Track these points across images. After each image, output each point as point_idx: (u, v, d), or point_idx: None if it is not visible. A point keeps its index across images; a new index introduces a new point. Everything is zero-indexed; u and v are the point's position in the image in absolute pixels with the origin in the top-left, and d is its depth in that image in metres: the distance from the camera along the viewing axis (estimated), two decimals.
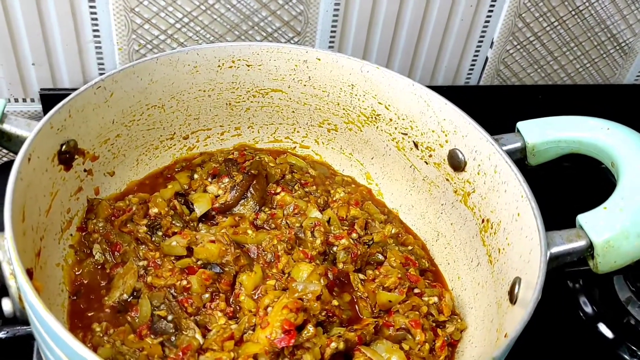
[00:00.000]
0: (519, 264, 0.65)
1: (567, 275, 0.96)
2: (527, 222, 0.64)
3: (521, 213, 0.66)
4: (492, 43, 1.06)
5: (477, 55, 1.07)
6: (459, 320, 0.73)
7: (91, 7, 0.87)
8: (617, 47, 1.12)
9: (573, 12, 1.05)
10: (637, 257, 0.61)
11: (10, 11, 0.85)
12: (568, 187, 0.89)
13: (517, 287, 0.63)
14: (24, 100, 0.94)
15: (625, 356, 0.88)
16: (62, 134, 0.66)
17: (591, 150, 0.69)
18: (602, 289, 0.94)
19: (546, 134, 0.71)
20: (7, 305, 0.51)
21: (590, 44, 1.10)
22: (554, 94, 1.15)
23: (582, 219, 0.62)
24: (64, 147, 0.67)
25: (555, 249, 0.61)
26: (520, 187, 0.67)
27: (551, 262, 0.61)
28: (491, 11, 1.01)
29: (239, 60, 0.81)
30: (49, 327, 0.46)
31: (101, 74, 0.92)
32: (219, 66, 0.80)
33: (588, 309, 0.92)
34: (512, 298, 0.63)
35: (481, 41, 1.05)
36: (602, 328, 0.90)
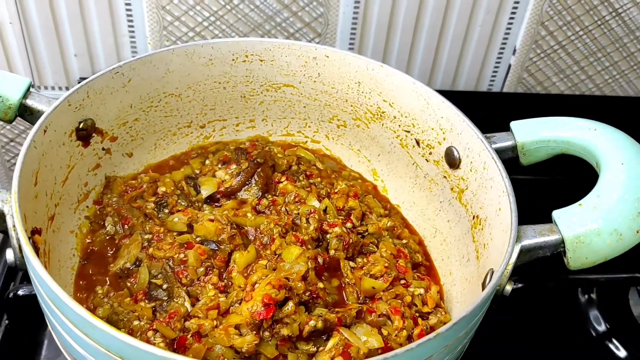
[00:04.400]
0: (496, 257, 0.66)
1: (580, 285, 0.95)
2: (505, 216, 0.66)
3: (502, 208, 0.68)
4: (515, 50, 1.07)
5: (499, 62, 1.08)
6: (443, 313, 0.75)
7: (127, 4, 0.95)
8: None
9: (599, 22, 1.05)
10: (610, 255, 0.61)
11: (55, 7, 0.94)
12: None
13: (488, 277, 0.64)
14: (67, 88, 1.03)
15: None
16: (79, 112, 0.73)
17: (578, 150, 0.69)
18: (615, 303, 0.93)
19: (536, 133, 0.72)
20: (10, 255, 0.58)
21: (619, 55, 1.09)
22: (582, 104, 1.14)
23: (557, 214, 0.63)
24: (81, 124, 0.74)
25: (526, 242, 0.62)
26: (503, 182, 0.68)
27: (523, 255, 0.62)
28: (512, 19, 1.03)
29: (252, 55, 0.86)
30: (35, 272, 0.53)
31: None
32: (233, 60, 0.86)
33: (599, 325, 0.91)
34: (483, 289, 0.65)
35: (503, 48, 1.06)
36: (614, 346, 0.89)
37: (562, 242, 0.62)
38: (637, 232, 0.60)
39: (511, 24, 1.03)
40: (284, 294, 0.68)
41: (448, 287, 0.79)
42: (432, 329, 0.73)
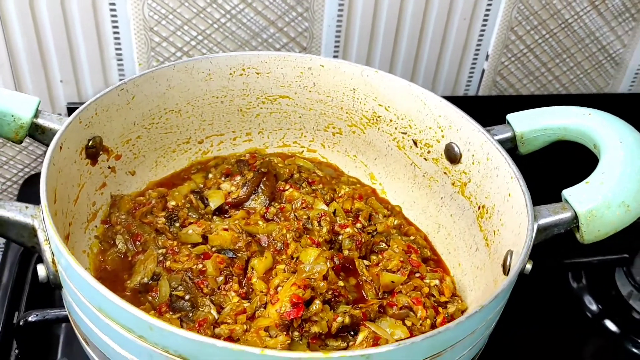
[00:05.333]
0: (511, 239, 0.70)
1: (569, 269, 1.00)
2: (517, 199, 0.69)
3: (512, 193, 0.71)
4: (488, 56, 1.12)
5: (474, 67, 1.14)
6: (460, 302, 0.77)
7: (114, 27, 0.95)
8: (609, 58, 1.18)
9: (563, 25, 1.12)
10: (619, 226, 0.65)
11: (41, 32, 0.93)
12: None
13: (509, 258, 0.67)
14: None
15: (633, 349, 0.90)
16: (89, 129, 0.73)
17: (575, 135, 0.74)
18: (604, 285, 0.98)
19: (534, 123, 0.77)
20: (42, 271, 0.57)
21: (582, 55, 1.17)
22: (551, 103, 1.20)
23: (567, 192, 0.67)
24: (90, 142, 0.74)
25: (542, 221, 0.66)
26: (510, 169, 0.72)
27: (540, 234, 0.66)
28: (484, 25, 1.09)
29: (249, 68, 0.88)
30: (79, 277, 0.52)
31: None
32: (230, 74, 0.87)
33: (593, 307, 0.95)
34: (505, 269, 0.68)
35: (477, 53, 1.12)
36: (608, 324, 0.93)
37: (575, 217, 0.66)
38: None
39: (484, 30, 1.09)
40: (309, 293, 0.69)
41: (459, 277, 0.82)
42: (452, 317, 0.75)
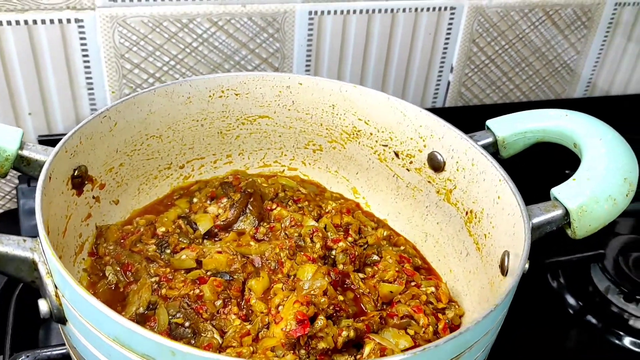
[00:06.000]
0: (505, 240, 0.71)
1: (548, 270, 1.03)
2: (508, 201, 0.71)
3: (501, 195, 0.73)
4: (452, 68, 1.16)
5: (440, 80, 1.17)
6: (457, 307, 0.78)
7: (84, 55, 0.93)
8: (564, 65, 1.24)
9: (520, 35, 1.17)
10: (607, 220, 0.68)
11: (8, 63, 0.91)
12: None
13: (506, 259, 0.69)
14: None
15: (615, 341, 0.93)
16: (74, 159, 0.71)
17: (554, 136, 0.77)
18: (582, 282, 1.01)
19: (513, 127, 0.79)
20: (44, 306, 0.55)
21: (539, 64, 1.22)
22: (513, 111, 1.24)
23: (556, 190, 0.69)
24: (76, 171, 0.72)
25: (536, 220, 0.68)
26: (497, 172, 0.74)
27: (534, 232, 0.68)
28: (448, 38, 1.12)
29: (228, 89, 0.87)
30: (90, 306, 0.50)
31: None
32: (209, 96, 0.87)
33: (573, 303, 0.98)
34: (504, 270, 0.69)
35: (442, 66, 1.15)
36: (590, 319, 0.96)
37: (567, 214, 0.68)
38: (626, 195, 0.68)
39: (447, 43, 1.13)
40: (313, 309, 0.69)
41: (451, 283, 0.83)
42: (452, 322, 0.76)
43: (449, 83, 1.17)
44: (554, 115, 0.77)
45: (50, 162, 0.64)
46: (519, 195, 0.70)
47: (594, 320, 0.96)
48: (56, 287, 0.54)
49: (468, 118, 1.20)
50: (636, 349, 0.92)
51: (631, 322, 0.96)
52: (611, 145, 0.71)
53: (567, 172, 1.14)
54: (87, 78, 0.95)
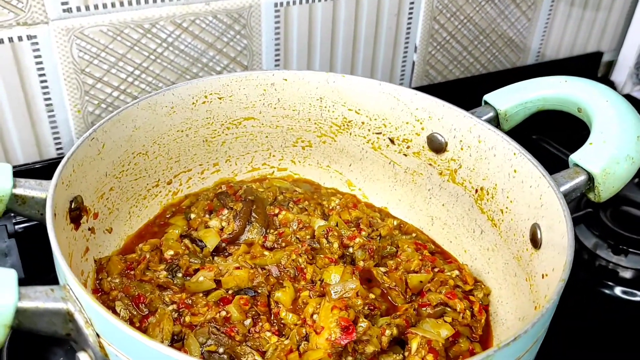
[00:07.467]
0: (530, 213, 0.71)
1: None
2: (528, 173, 0.71)
3: (517, 169, 0.72)
4: (416, 48, 1.15)
5: (405, 60, 1.15)
6: (483, 286, 0.77)
7: (41, 75, 0.84)
8: (517, 33, 1.25)
9: (477, 8, 1.17)
10: (627, 179, 0.69)
11: None
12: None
13: (538, 232, 0.68)
14: None
15: (606, 291, 0.96)
16: (70, 190, 0.64)
17: (555, 103, 0.77)
18: None
19: (513, 98, 0.79)
20: (86, 359, 0.48)
21: (495, 35, 1.23)
22: (475, 84, 1.25)
23: (575, 156, 0.69)
24: (72, 203, 0.64)
25: (563, 188, 0.67)
26: (511, 146, 0.73)
27: None
28: (410, 18, 1.11)
29: (211, 94, 0.82)
30: (149, 349, 0.44)
31: (57, 143, 0.90)
32: (193, 103, 0.81)
33: None
34: (537, 243, 0.68)
35: (407, 47, 1.14)
36: (581, 274, 0.98)
37: (591, 179, 0.68)
38: None
39: (410, 23, 1.11)
40: (353, 313, 0.66)
41: (469, 263, 0.82)
42: (482, 302, 0.75)
43: (413, 63, 1.16)
44: (552, 82, 0.77)
45: (52, 196, 0.57)
46: (541, 166, 0.69)
47: (584, 274, 0.98)
48: (98, 336, 0.48)
49: (436, 96, 1.21)
50: (626, 297, 0.95)
51: (621, 273, 0.99)
52: (618, 106, 0.71)
53: (534, 137, 1.17)
54: (46, 99, 0.86)
